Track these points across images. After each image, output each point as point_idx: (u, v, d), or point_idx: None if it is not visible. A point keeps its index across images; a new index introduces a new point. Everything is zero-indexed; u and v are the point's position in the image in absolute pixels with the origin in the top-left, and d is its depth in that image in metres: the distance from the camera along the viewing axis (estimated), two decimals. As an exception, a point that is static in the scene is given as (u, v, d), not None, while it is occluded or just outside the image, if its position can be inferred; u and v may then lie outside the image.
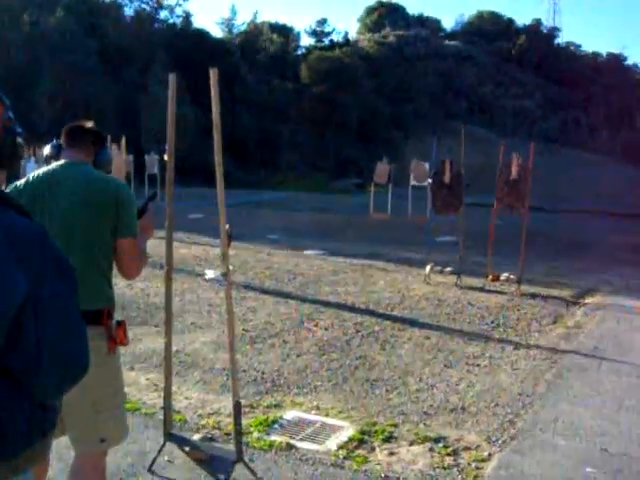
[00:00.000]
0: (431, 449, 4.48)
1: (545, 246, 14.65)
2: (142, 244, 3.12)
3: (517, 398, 5.52)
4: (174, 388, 4.71)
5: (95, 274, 2.92)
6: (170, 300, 4.08)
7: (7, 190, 2.69)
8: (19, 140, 1.94)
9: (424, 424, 4.91)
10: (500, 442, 4.63)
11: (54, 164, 3.07)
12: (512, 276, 10.41)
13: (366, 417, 5.00)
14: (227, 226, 3.85)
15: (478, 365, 6.40)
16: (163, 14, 51.40)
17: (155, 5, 50.83)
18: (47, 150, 3.39)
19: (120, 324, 2.98)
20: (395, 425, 4.86)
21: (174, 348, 5.33)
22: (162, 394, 4.34)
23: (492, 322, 8.15)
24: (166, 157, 4.00)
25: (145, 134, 32.74)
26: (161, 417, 4.39)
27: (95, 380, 2.73)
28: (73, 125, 3.14)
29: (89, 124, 3.16)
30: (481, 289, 10.19)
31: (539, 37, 74.08)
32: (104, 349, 2.90)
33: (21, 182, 3.01)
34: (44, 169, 3.05)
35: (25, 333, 1.68)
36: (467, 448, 4.52)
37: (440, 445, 4.53)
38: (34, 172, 3.07)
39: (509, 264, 11.05)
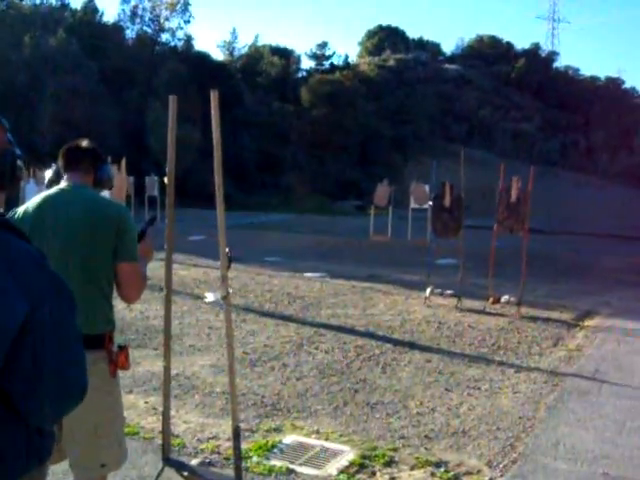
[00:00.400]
0: (432, 474, 4.44)
1: (545, 268, 14.64)
2: (142, 268, 3.12)
3: (518, 422, 5.48)
4: (173, 412, 4.67)
5: (96, 298, 2.91)
6: (169, 323, 4.06)
7: (7, 215, 2.68)
8: (19, 162, 1.94)
9: (425, 448, 4.87)
10: (501, 466, 4.59)
11: (54, 188, 3.05)
12: (512, 298, 10.39)
13: (367, 441, 4.96)
14: (227, 249, 3.84)
15: (479, 388, 6.37)
16: (165, 37, 51.76)
17: (157, 28, 51.22)
18: (49, 174, 3.37)
19: (122, 348, 2.97)
20: (396, 449, 4.82)
21: (173, 371, 5.30)
22: (161, 418, 4.30)
23: (493, 345, 8.12)
24: (166, 180, 3.99)
25: (145, 156, 32.83)
26: (160, 441, 4.36)
27: (97, 404, 2.71)
28: (70, 146, 3.10)
29: (85, 143, 3.13)
30: (482, 311, 10.16)
31: (538, 61, 74.60)
32: (106, 373, 2.89)
33: (20, 210, 2.99)
34: (44, 194, 3.03)
35: (23, 356, 1.67)
36: (468, 473, 4.48)
37: (441, 470, 4.49)
38: (34, 198, 3.04)
39: (509, 286, 11.04)
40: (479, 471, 4.51)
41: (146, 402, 5.66)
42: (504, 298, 10.63)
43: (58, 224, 2.88)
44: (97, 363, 2.78)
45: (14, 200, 2.96)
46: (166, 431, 4.08)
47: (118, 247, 2.92)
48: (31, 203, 3.00)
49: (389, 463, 4.58)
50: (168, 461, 4.09)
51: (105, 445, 2.92)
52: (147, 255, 3.21)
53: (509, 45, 77.88)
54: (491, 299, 10.61)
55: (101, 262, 2.92)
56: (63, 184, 3.03)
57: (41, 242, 2.79)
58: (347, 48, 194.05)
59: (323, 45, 68.99)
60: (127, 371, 3.18)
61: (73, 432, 2.76)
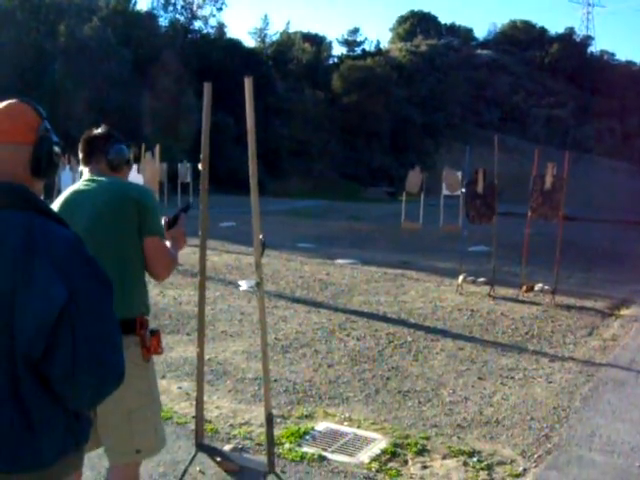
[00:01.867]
0: (465, 463, 4.41)
1: (579, 256, 14.44)
2: (173, 251, 3.11)
3: (552, 412, 5.42)
4: (205, 397, 4.69)
5: (129, 282, 2.91)
6: (203, 309, 4.06)
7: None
8: (56, 149, 1.95)
9: (458, 437, 4.84)
10: (535, 457, 4.54)
11: (77, 183, 3.09)
12: (546, 287, 10.27)
13: (399, 429, 4.94)
14: (261, 236, 3.83)
15: (512, 378, 6.31)
16: (197, 24, 51.97)
17: (189, 16, 51.38)
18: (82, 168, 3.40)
19: (154, 333, 2.97)
20: (428, 438, 4.79)
21: (206, 357, 5.31)
22: (194, 403, 4.32)
23: (526, 333, 8.04)
24: (200, 166, 3.99)
25: (178, 142, 32.99)
26: (193, 427, 4.38)
27: (131, 390, 2.72)
28: (85, 138, 3.11)
29: (93, 131, 3.13)
30: (515, 300, 10.06)
31: (572, 46, 73.56)
32: (139, 358, 2.89)
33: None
34: (68, 190, 3.07)
35: (62, 341, 1.70)
36: (501, 462, 4.44)
37: (474, 459, 4.45)
38: (60, 196, 3.07)
39: (543, 274, 10.92)
40: (512, 461, 4.46)
41: (179, 387, 5.69)
42: (538, 286, 10.51)
43: (84, 218, 2.88)
44: (130, 348, 2.78)
45: (51, 187, 2.99)
46: (199, 416, 4.10)
47: (141, 224, 2.92)
48: (58, 201, 3.02)
49: (421, 452, 4.55)
50: (201, 446, 4.11)
51: (140, 431, 2.92)
52: (179, 240, 3.20)
53: (543, 30, 76.90)
54: (524, 287, 10.50)
55: (130, 245, 2.92)
56: (84, 177, 3.07)
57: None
58: (379, 34, 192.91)
59: (355, 31, 68.78)
60: (160, 356, 3.20)
61: (107, 417, 2.77)
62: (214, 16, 52.51)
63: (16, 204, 1.82)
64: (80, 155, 3.13)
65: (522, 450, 4.64)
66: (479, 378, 6.26)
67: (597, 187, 39.97)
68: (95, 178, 3.02)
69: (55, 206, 2.96)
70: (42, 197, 2.00)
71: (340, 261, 13.55)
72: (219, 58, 44.04)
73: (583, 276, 12.38)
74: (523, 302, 9.93)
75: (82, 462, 1.98)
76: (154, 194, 3.14)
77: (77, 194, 3.00)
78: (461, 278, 10.66)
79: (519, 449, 4.66)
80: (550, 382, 6.21)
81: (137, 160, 16.01)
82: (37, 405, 1.74)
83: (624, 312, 9.59)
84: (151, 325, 3.04)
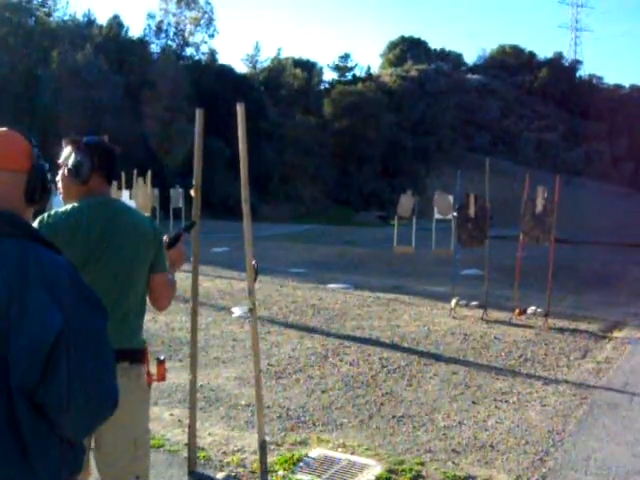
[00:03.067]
0: (460, 488, 4.38)
1: (572, 279, 14.48)
2: (171, 274, 3.11)
3: (547, 436, 5.40)
4: (198, 424, 4.66)
5: (140, 312, 2.92)
6: (196, 335, 4.05)
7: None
8: (48, 176, 1.96)
9: (452, 462, 4.81)
10: (531, 481, 4.51)
11: (88, 200, 2.86)
12: (539, 310, 10.27)
13: (393, 455, 4.91)
14: (253, 262, 3.83)
15: (506, 401, 6.29)
16: (189, 51, 52.31)
17: (181, 42, 51.73)
18: None
19: (161, 362, 3.00)
20: (423, 463, 4.76)
21: (198, 383, 5.29)
22: (186, 430, 4.29)
23: (520, 357, 8.03)
24: (192, 192, 4.00)
25: (170, 168, 33.07)
26: (185, 454, 4.35)
27: (137, 418, 2.72)
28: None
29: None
30: (508, 323, 10.06)
31: (561, 70, 74.33)
32: (145, 387, 2.89)
33: (49, 216, 2.80)
34: (79, 204, 2.85)
35: (57, 368, 1.69)
36: (497, 488, 4.41)
37: (469, 484, 4.43)
38: (66, 207, 2.86)
39: (536, 297, 10.93)
40: (508, 486, 4.43)
41: (171, 414, 5.65)
42: (530, 309, 10.52)
43: (104, 238, 2.79)
44: (141, 377, 2.80)
45: (42, 212, 2.89)
46: (192, 444, 4.07)
47: (155, 259, 2.92)
48: (63, 211, 2.83)
49: (416, 477, 4.52)
50: (193, 474, 4.08)
51: (140, 457, 2.92)
52: (178, 260, 3.19)
53: (532, 54, 77.71)
54: (517, 310, 10.50)
55: (142, 275, 2.90)
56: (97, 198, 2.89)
57: (82, 253, 2.75)
58: (369, 59, 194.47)
59: (345, 57, 69.27)
60: (152, 383, 3.17)
61: (116, 446, 2.75)
62: (206, 43, 52.81)
63: (10, 232, 1.81)
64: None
65: (517, 475, 4.62)
66: (473, 402, 6.24)
67: (588, 210, 40.17)
68: (106, 201, 2.90)
69: (62, 215, 2.82)
70: (32, 223, 2.01)
71: (332, 286, 13.54)
72: (211, 84, 44.26)
73: (576, 299, 12.40)
74: (516, 325, 9.92)
75: (75, 491, 1.96)
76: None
77: (95, 212, 2.83)
78: (454, 302, 10.66)
79: (514, 474, 4.63)
80: (544, 405, 6.19)
81: (129, 186, 16.05)
82: (32, 434, 1.72)
83: (617, 334, 9.59)
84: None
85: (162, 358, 3.06)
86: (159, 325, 9.06)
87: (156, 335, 8.49)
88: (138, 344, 2.86)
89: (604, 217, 36.95)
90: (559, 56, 77.75)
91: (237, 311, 10.21)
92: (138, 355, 2.81)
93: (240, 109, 3.77)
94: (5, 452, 1.71)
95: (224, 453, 4.86)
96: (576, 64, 78.69)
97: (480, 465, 4.78)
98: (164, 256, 2.98)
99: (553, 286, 10.20)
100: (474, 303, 11.10)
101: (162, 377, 3.04)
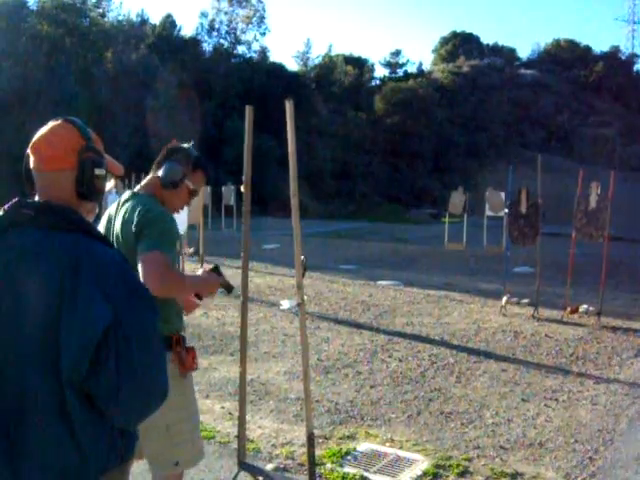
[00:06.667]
0: (507, 485, 4.38)
1: (625, 277, 14.21)
2: (196, 287, 3.02)
3: (597, 434, 5.35)
4: (248, 417, 4.75)
5: (162, 301, 2.96)
6: (246, 329, 4.13)
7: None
8: (98, 172, 1.99)
9: (500, 459, 4.81)
10: (580, 480, 4.49)
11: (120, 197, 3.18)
12: (591, 308, 10.12)
13: (441, 450, 4.93)
14: (302, 257, 3.89)
15: (556, 399, 6.24)
16: (241, 49, 52.73)
17: (233, 41, 52.18)
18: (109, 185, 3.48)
19: (189, 350, 3.05)
20: (470, 459, 4.78)
21: (248, 377, 5.39)
22: (236, 423, 4.38)
23: (571, 355, 7.94)
24: (242, 188, 4.08)
25: (222, 165, 33.41)
26: (235, 446, 4.44)
27: (168, 404, 2.78)
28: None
29: (168, 146, 3.21)
30: (559, 321, 9.95)
31: (617, 64, 72.61)
32: (176, 373, 2.96)
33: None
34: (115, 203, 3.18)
35: (107, 360, 1.75)
36: (545, 485, 4.40)
37: (517, 481, 4.43)
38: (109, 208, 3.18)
39: (588, 295, 10.77)
40: (556, 483, 4.42)
41: (222, 407, 5.76)
42: (583, 307, 10.37)
43: (114, 238, 3.00)
44: (168, 364, 2.85)
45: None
46: (241, 436, 4.16)
47: (139, 241, 2.87)
48: (106, 213, 3.15)
49: (463, 473, 4.54)
50: (243, 466, 4.16)
51: (178, 443, 3.01)
52: (208, 289, 3.06)
53: (587, 48, 76.12)
54: (569, 308, 10.36)
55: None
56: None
57: None
58: (421, 55, 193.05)
59: (397, 53, 69.02)
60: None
61: (147, 430, 2.84)
62: (257, 40, 53.26)
63: (63, 226, 1.87)
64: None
65: (566, 473, 4.60)
66: (522, 400, 6.21)
67: (645, 207, 39.21)
68: (131, 196, 3.09)
69: (103, 220, 3.09)
70: (93, 218, 2.07)
71: (382, 282, 13.55)
72: (262, 82, 44.54)
73: (630, 297, 12.17)
74: (567, 323, 9.81)
75: (128, 476, 2.04)
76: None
77: (115, 209, 3.10)
78: (505, 299, 10.58)
79: (563, 472, 4.61)
80: (595, 404, 6.13)
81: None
82: (82, 422, 1.79)
83: (672, 334, 9.40)
84: (193, 344, 3.11)
85: (191, 346, 3.07)
86: (211, 320, 9.22)
87: (208, 330, 8.64)
88: (166, 331, 2.89)
89: (662, 214, 36.01)
90: (615, 50, 76.01)
91: (286, 304, 10.31)
92: (164, 342, 2.79)
93: (289, 105, 3.83)
94: (57, 439, 1.78)
95: (273, 445, 4.95)
96: (633, 58, 76.82)
97: (528, 462, 4.77)
98: (148, 236, 2.86)
99: (606, 284, 10.05)
100: (525, 301, 10.99)
101: (192, 365, 3.03)
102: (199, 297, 3.08)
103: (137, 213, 2.92)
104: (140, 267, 2.79)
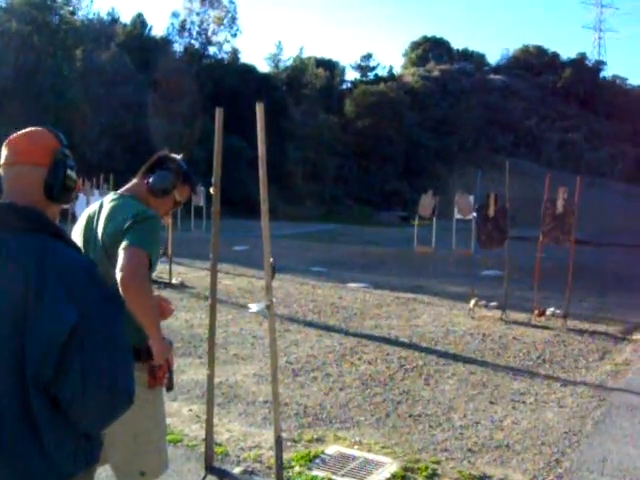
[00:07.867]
0: (475, 487, 4.40)
1: (592, 281, 14.38)
2: (152, 328, 2.86)
3: (564, 436, 5.40)
4: (216, 420, 4.71)
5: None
6: (214, 331, 4.10)
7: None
8: (71, 174, 1.99)
9: (468, 461, 4.83)
10: (546, 482, 4.52)
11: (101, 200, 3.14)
12: (558, 311, 10.24)
13: (409, 453, 4.94)
14: (271, 259, 3.88)
15: (524, 402, 6.28)
16: (212, 50, 52.59)
17: (204, 41, 51.99)
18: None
19: (160, 366, 2.98)
20: (438, 462, 4.79)
21: (217, 380, 5.35)
22: (204, 426, 4.35)
23: (538, 358, 8.01)
24: (212, 190, 4.05)
25: (192, 166, 33.27)
26: (203, 449, 4.40)
27: (136, 413, 2.75)
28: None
29: (159, 154, 3.21)
30: (527, 324, 10.03)
31: (584, 70, 73.70)
32: (145, 383, 2.92)
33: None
34: (93, 205, 3.13)
35: (72, 363, 1.72)
36: (512, 487, 4.42)
37: (484, 483, 4.44)
38: (88, 209, 3.13)
39: (556, 299, 10.88)
40: (523, 486, 4.44)
41: (190, 410, 5.71)
42: (550, 310, 10.48)
43: (94, 237, 2.95)
44: (137, 372, 2.80)
45: (65, 211, 3.02)
46: (209, 439, 4.13)
47: (127, 234, 2.81)
48: (84, 214, 3.10)
49: (432, 476, 4.55)
50: (211, 469, 4.13)
51: (144, 453, 2.97)
52: (159, 347, 2.92)
53: (555, 55, 77.18)
54: (536, 311, 10.46)
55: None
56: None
57: (87, 253, 2.86)
58: (391, 59, 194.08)
59: (367, 56, 69.24)
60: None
61: (114, 437, 2.80)
62: (228, 42, 53.08)
63: (29, 227, 1.86)
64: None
65: (533, 475, 4.63)
66: (490, 402, 6.25)
67: (611, 211, 39.83)
68: (114, 197, 3.06)
69: (81, 217, 3.05)
70: (57, 221, 2.05)
71: (352, 285, 13.57)
72: (233, 83, 44.43)
73: (596, 300, 12.32)
74: (535, 326, 9.90)
75: (92, 480, 2.01)
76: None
77: (94, 211, 3.05)
78: (473, 302, 10.65)
79: (530, 474, 4.64)
80: (562, 406, 6.19)
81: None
82: (47, 426, 1.76)
83: (637, 336, 9.53)
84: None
85: (156, 365, 2.94)
86: (179, 322, 9.15)
87: (176, 332, 8.57)
88: (136, 342, 2.84)
89: (628, 219, 36.58)
90: (583, 57, 77.10)
91: (254, 307, 10.26)
92: (137, 353, 2.70)
93: (259, 108, 3.81)
94: (22, 444, 1.75)
95: (241, 449, 4.92)
96: (600, 65, 78.01)
97: (496, 465, 4.79)
98: (135, 231, 2.82)
99: (573, 288, 10.16)
100: (493, 304, 11.08)
101: (161, 380, 2.97)
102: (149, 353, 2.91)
103: (131, 210, 2.90)
104: (121, 254, 2.75)
